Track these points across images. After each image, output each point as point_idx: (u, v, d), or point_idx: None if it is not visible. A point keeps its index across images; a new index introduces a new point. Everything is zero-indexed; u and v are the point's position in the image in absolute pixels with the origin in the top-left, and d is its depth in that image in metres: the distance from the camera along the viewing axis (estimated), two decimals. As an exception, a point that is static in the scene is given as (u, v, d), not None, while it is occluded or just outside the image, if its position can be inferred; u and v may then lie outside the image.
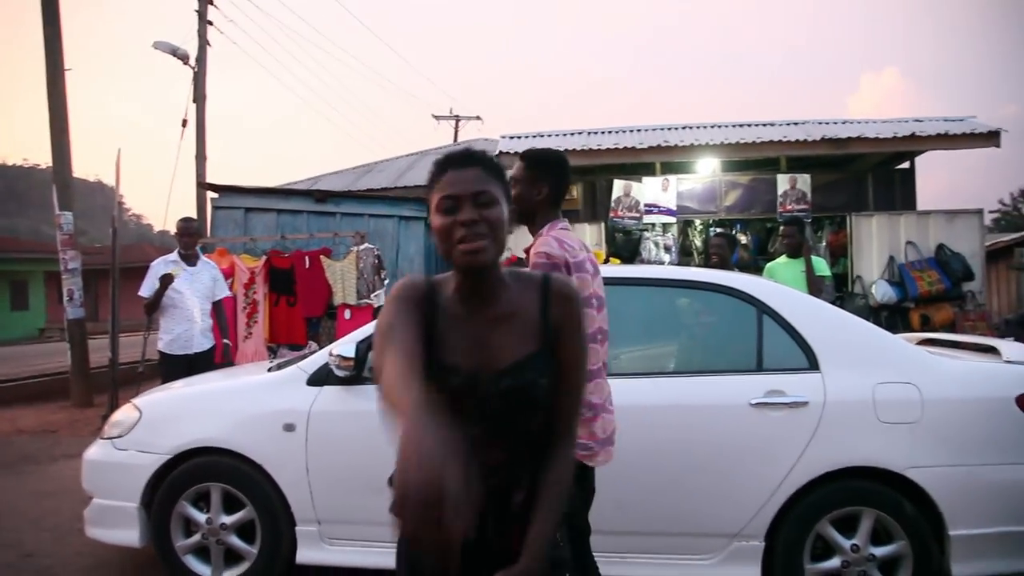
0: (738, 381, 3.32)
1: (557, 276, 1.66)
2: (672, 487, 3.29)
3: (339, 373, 3.48)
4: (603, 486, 2.63)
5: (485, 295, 1.56)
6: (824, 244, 9.74)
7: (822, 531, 3.19)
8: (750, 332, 3.40)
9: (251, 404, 3.72)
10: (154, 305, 5.84)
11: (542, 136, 10.06)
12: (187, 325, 5.85)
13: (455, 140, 26.88)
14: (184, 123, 13.85)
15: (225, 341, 6.30)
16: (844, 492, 3.20)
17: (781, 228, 7.41)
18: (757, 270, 7.68)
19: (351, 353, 3.46)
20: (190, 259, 6.05)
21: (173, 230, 6.32)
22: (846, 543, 3.16)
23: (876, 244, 9.34)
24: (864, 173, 10.32)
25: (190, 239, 6.12)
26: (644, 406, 3.25)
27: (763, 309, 3.40)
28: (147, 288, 5.85)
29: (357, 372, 3.48)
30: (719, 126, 10.42)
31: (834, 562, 3.19)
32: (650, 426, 3.24)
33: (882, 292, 9.06)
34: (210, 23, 15.56)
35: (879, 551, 3.16)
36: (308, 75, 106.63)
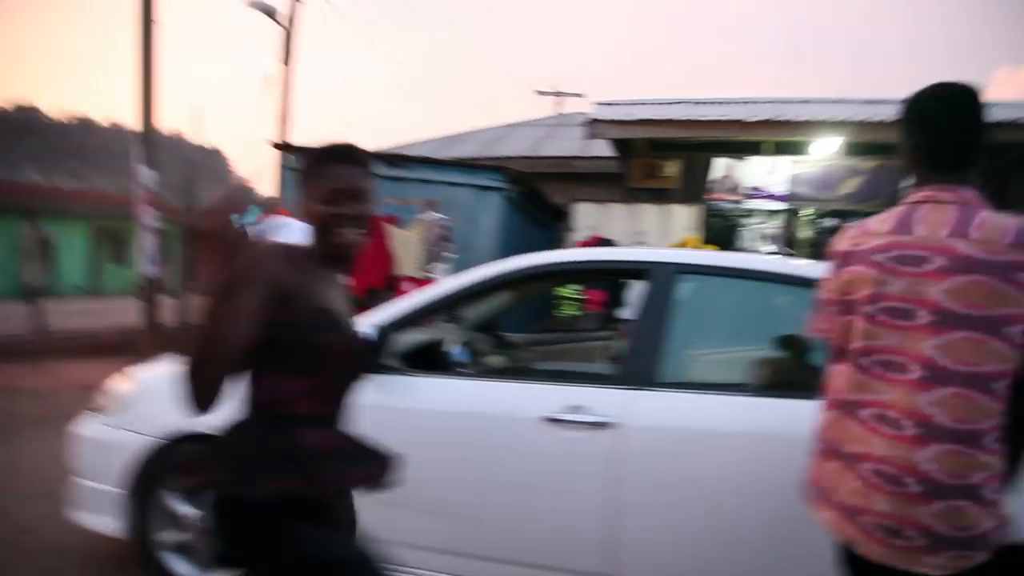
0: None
1: None
2: (763, 531, 2.50)
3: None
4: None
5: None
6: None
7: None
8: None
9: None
10: None
11: (639, 104, 9.20)
12: None
13: (556, 114, 26.27)
14: (270, 80, 13.68)
15: None
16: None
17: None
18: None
19: (372, 337, 2.78)
20: None
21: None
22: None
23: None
24: (1020, 164, 9.04)
25: None
26: (736, 432, 2.51)
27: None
28: None
29: (376, 358, 2.81)
30: (844, 102, 9.28)
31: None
32: (752, 456, 2.49)
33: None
34: (306, -20, 15.30)
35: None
36: (406, 44, 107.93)
